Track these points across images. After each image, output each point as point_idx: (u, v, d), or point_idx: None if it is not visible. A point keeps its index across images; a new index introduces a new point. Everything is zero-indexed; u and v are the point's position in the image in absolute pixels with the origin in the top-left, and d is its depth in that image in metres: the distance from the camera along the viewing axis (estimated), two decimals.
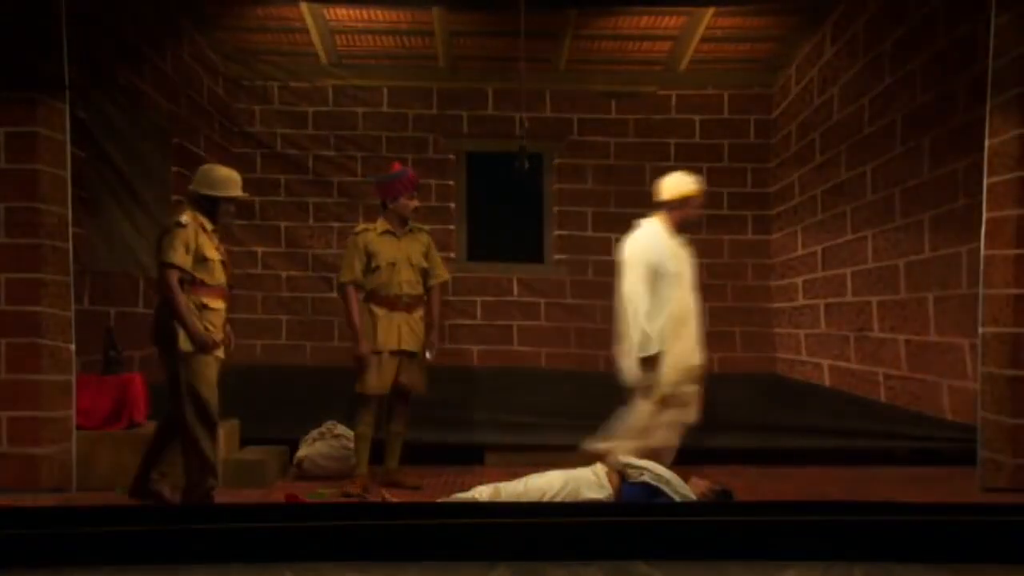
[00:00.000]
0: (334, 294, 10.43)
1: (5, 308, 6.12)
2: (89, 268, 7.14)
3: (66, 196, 6.28)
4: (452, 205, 10.44)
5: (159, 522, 4.70)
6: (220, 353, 5.64)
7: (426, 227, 6.95)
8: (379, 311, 6.52)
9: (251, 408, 7.24)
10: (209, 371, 5.51)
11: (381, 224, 6.63)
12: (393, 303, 6.53)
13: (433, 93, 10.55)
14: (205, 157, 9.34)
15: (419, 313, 6.66)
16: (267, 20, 9.15)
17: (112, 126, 7.57)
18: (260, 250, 10.21)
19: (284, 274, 10.33)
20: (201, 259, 5.49)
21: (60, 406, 6.22)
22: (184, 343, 5.40)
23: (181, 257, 5.36)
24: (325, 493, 6.30)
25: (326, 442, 6.97)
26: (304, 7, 8.77)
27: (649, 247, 5.84)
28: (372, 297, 6.56)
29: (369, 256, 6.54)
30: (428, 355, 6.68)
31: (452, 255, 10.16)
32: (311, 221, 10.44)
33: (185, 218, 5.49)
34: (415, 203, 6.67)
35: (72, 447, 6.28)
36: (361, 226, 6.76)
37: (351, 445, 6.87)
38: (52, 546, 4.49)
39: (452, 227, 10.45)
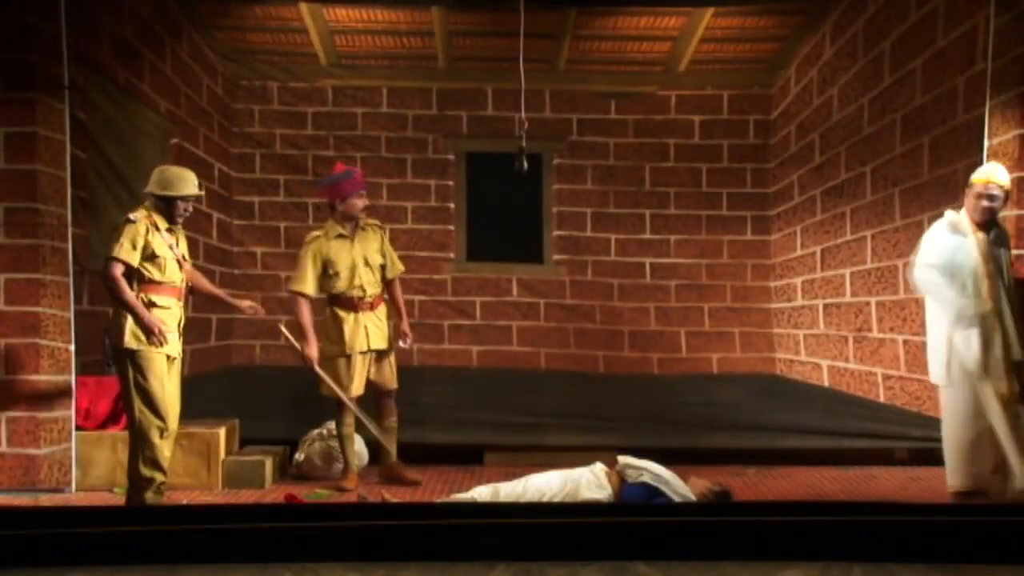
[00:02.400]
0: None
1: (5, 308, 6.12)
2: (88, 268, 7.14)
3: (65, 196, 6.29)
4: (451, 205, 10.42)
5: (158, 522, 4.71)
6: (174, 351, 5.65)
7: (376, 222, 6.98)
8: (344, 314, 6.59)
9: (250, 409, 7.24)
10: (157, 367, 5.53)
11: (332, 228, 6.65)
12: (356, 305, 6.59)
13: (432, 93, 10.53)
14: (204, 157, 9.35)
15: (382, 310, 6.72)
16: (266, 20, 9.14)
17: (111, 126, 7.57)
18: (259, 251, 10.19)
19: (283, 275, 10.32)
20: (150, 256, 5.52)
21: (59, 406, 6.23)
22: (130, 339, 5.44)
23: (126, 252, 5.44)
24: (324, 494, 6.31)
25: (325, 443, 6.97)
26: (303, 7, 8.76)
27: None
28: (335, 301, 6.62)
29: (324, 263, 6.56)
30: (404, 345, 6.72)
31: (451, 255, 10.15)
32: (311, 221, 10.41)
33: (136, 215, 5.55)
34: (364, 202, 6.71)
35: (71, 447, 6.29)
36: (312, 234, 6.77)
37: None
38: (51, 546, 4.50)
39: (451, 227, 10.43)
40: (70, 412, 6.30)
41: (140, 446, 5.56)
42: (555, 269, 10.60)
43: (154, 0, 8.37)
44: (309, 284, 6.60)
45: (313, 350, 6.56)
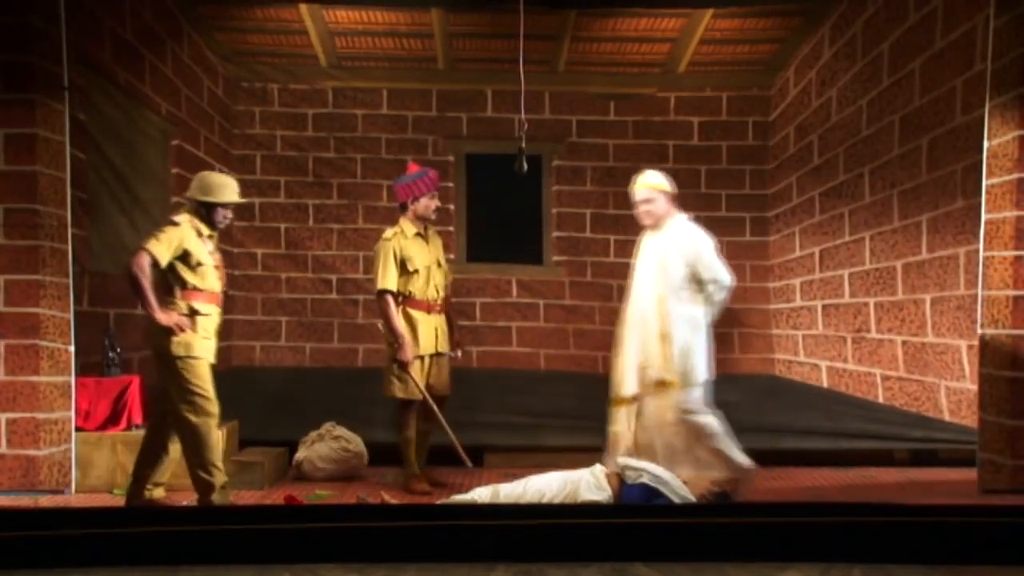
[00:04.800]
0: (334, 295, 10.48)
1: (4, 310, 6.10)
2: (88, 269, 7.12)
3: (65, 198, 6.26)
4: (451, 207, 10.42)
5: (158, 523, 4.70)
6: (212, 357, 5.61)
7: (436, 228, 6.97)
8: (418, 315, 6.46)
9: (250, 409, 7.22)
10: (204, 370, 5.49)
11: (408, 227, 6.55)
12: (430, 306, 6.48)
13: (432, 95, 10.55)
14: (205, 159, 9.34)
15: (445, 314, 6.65)
16: (266, 22, 9.14)
17: (111, 128, 7.56)
18: (260, 252, 10.20)
19: (284, 276, 10.32)
20: (195, 264, 5.48)
21: (59, 407, 6.21)
22: (177, 347, 5.39)
23: (159, 249, 5.34)
24: (324, 495, 6.28)
25: (325, 444, 6.94)
26: (303, 9, 8.76)
27: None
28: (409, 301, 6.49)
29: (404, 261, 6.46)
30: (458, 355, 6.68)
31: (451, 256, 10.13)
32: (311, 223, 10.44)
33: (180, 218, 5.50)
34: (436, 203, 6.62)
35: (71, 448, 6.26)
36: (390, 230, 6.63)
37: (350, 447, 6.85)
38: (52, 547, 4.49)
39: (451, 228, 10.42)
40: (70, 413, 6.27)
41: (198, 451, 5.46)
42: (555, 270, 10.60)
43: (155, 1, 8.35)
44: (393, 281, 6.48)
45: (408, 351, 6.42)
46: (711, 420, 5.83)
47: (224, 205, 5.64)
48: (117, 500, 6.03)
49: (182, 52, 9.02)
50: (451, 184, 10.48)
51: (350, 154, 10.47)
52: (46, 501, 5.96)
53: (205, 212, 5.60)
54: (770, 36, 9.52)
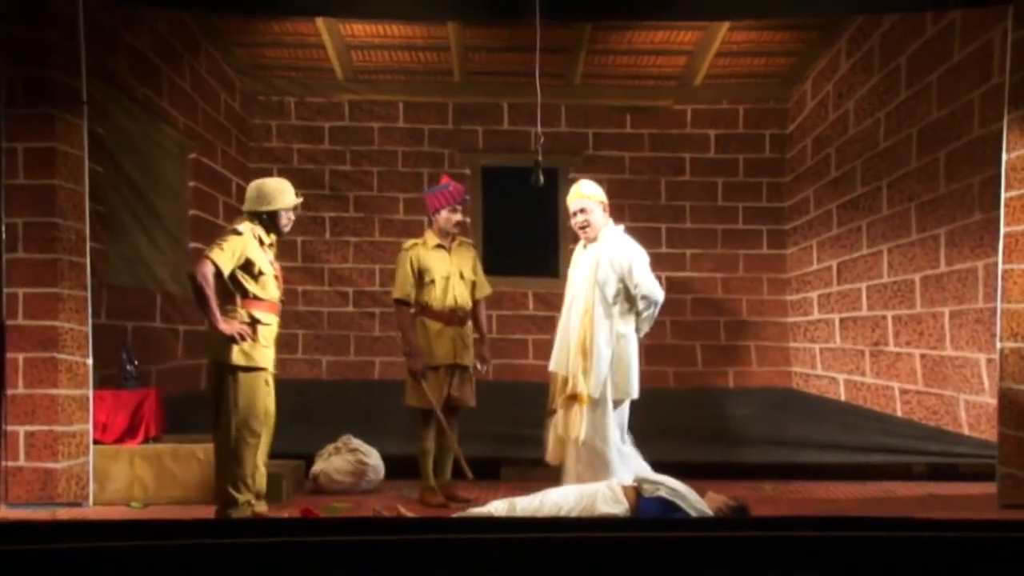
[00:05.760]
0: (350, 308, 10.50)
1: (23, 322, 6.14)
2: (106, 283, 7.15)
3: (83, 211, 6.31)
4: (467, 220, 10.42)
5: (174, 536, 4.71)
6: (272, 367, 5.62)
7: (469, 240, 6.98)
8: (434, 325, 6.49)
9: None
10: (259, 383, 5.50)
11: (431, 238, 6.61)
12: (448, 317, 6.50)
13: (449, 108, 10.57)
14: (222, 172, 9.38)
15: (470, 327, 6.66)
16: (283, 36, 9.18)
17: (129, 142, 7.60)
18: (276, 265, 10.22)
19: (300, 288, 10.34)
20: (257, 273, 5.50)
21: (77, 420, 6.24)
22: (237, 356, 5.40)
23: (223, 258, 5.34)
24: (340, 507, 6.29)
25: (342, 456, 6.95)
26: (320, 23, 8.79)
27: None
28: (426, 311, 6.52)
29: (421, 271, 6.50)
30: (481, 368, 6.67)
31: None
32: (327, 236, 10.46)
33: (243, 227, 5.51)
34: (457, 217, 6.64)
35: (89, 461, 6.29)
36: (410, 241, 6.70)
37: (367, 460, 6.86)
38: (69, 560, 4.50)
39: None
40: (88, 426, 6.30)
41: (231, 465, 5.49)
42: None
43: (172, 16, 8.39)
44: (409, 291, 6.52)
45: (418, 361, 6.46)
46: (615, 456, 5.87)
47: (287, 209, 5.69)
48: (134, 513, 6.06)
49: (199, 66, 9.07)
50: (467, 197, 10.48)
51: (366, 167, 10.49)
52: (64, 514, 5.98)
53: (268, 219, 5.64)
54: (787, 49, 9.52)
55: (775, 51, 9.56)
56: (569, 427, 5.91)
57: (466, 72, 10.03)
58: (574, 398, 5.93)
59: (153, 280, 7.86)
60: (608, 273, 6.03)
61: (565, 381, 6.07)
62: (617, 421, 6.07)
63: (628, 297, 6.06)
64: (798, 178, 10.28)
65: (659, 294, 6.11)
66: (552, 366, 6.20)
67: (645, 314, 6.13)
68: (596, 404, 5.95)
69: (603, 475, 5.80)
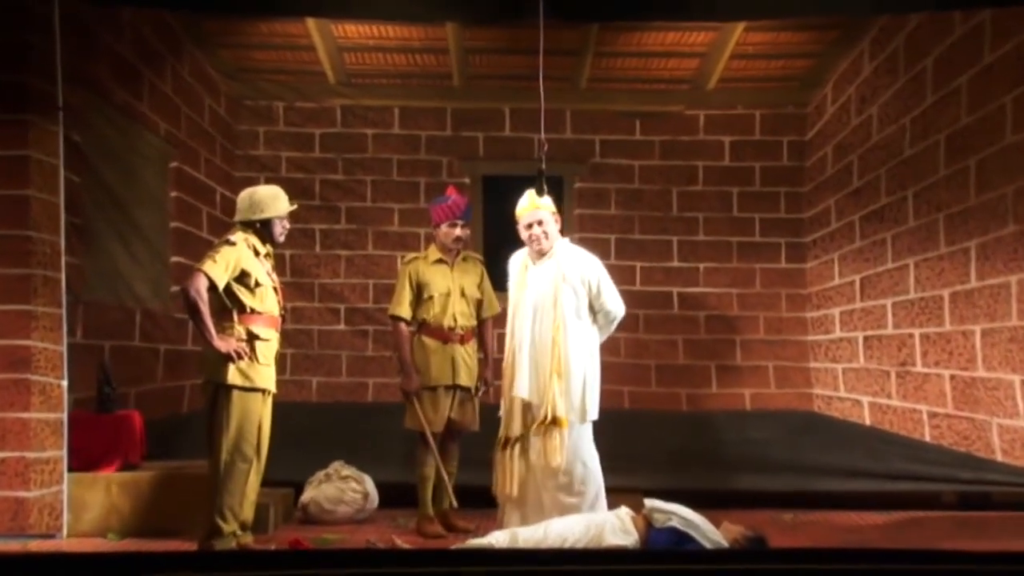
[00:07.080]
0: (342, 326, 10.48)
1: None
2: (82, 299, 7.14)
3: (59, 223, 6.31)
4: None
5: (156, 570, 4.69)
6: (271, 386, 5.62)
7: (478, 256, 6.99)
8: (431, 343, 6.51)
9: None
10: (256, 404, 5.51)
11: (432, 252, 6.63)
12: (446, 335, 6.52)
13: (447, 113, 10.56)
14: (205, 181, 9.38)
15: (472, 346, 6.66)
16: (272, 37, 9.18)
17: (108, 149, 7.60)
18: None
19: (289, 305, 10.32)
20: (253, 285, 5.51)
21: (51, 446, 6.22)
22: (233, 375, 5.40)
23: (216, 270, 5.36)
24: (331, 539, 6.27)
25: (333, 484, 6.94)
26: (311, 23, 8.80)
27: None
28: (424, 329, 6.53)
29: (420, 286, 6.51)
30: (481, 391, 6.67)
31: None
32: (318, 249, 10.45)
33: (235, 237, 5.52)
34: (457, 232, 6.67)
35: (63, 490, 6.27)
36: (410, 255, 6.75)
37: (359, 487, 6.85)
38: None
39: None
40: (62, 452, 6.28)
41: (220, 492, 5.50)
42: None
43: (154, 17, 8.40)
44: (406, 307, 6.55)
45: (412, 381, 6.47)
46: (599, 475, 5.85)
47: (281, 217, 5.71)
48: (111, 545, 6.03)
49: (182, 69, 9.08)
50: (470, 211, 10.49)
51: (359, 176, 10.48)
52: (36, 546, 5.96)
53: (262, 228, 5.65)
54: (806, 51, 9.52)
55: (793, 53, 9.56)
56: (549, 454, 5.85)
57: (466, 76, 10.04)
58: (554, 423, 5.88)
59: (132, 297, 7.84)
60: (578, 287, 6.04)
61: (527, 407, 6.00)
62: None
63: (592, 311, 6.09)
64: (818, 187, 10.27)
65: (623, 309, 6.15)
66: (520, 392, 6.05)
67: (609, 328, 6.17)
68: (574, 425, 5.94)
69: (592, 497, 5.81)
